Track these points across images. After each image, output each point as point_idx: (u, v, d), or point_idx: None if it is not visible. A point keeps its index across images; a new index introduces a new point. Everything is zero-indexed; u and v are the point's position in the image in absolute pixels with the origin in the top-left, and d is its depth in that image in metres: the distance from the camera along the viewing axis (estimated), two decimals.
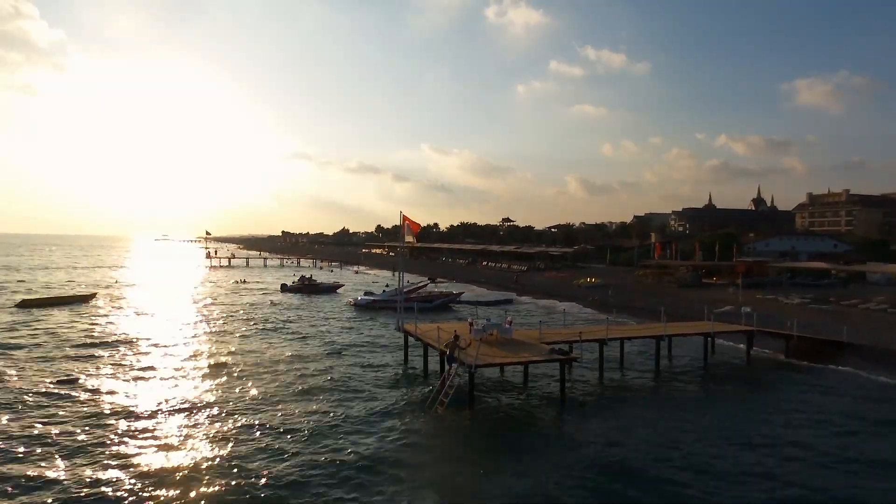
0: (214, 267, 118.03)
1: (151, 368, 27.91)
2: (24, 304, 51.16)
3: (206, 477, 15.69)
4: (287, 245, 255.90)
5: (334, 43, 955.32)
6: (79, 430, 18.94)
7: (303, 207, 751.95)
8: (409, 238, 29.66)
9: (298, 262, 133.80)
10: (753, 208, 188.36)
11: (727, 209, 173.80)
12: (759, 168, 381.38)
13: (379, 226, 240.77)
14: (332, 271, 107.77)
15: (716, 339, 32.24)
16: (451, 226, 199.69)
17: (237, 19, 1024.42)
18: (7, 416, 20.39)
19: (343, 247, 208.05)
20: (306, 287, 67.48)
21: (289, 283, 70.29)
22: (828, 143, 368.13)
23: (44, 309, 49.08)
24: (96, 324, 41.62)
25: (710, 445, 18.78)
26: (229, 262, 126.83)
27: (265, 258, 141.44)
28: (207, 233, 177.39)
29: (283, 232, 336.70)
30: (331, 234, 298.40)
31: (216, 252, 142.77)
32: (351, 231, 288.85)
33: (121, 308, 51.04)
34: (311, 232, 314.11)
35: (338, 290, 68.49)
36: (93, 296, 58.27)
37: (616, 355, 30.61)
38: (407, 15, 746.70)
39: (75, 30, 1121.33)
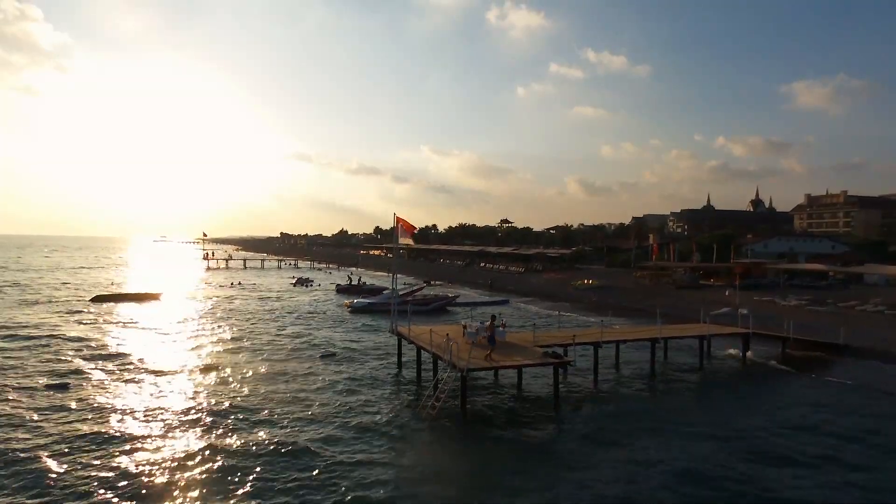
0: (211, 268, 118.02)
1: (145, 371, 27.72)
2: (98, 300, 56.53)
3: (188, 479, 15.46)
4: (285, 246, 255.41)
5: (336, 45, 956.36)
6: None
7: (302, 208, 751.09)
8: (404, 240, 29.27)
9: (296, 264, 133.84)
10: (752, 209, 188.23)
11: (725, 210, 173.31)
12: (757, 169, 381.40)
13: (378, 227, 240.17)
14: (330, 273, 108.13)
15: (712, 341, 32.01)
16: (450, 227, 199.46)
17: (239, 21, 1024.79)
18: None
19: (341, 248, 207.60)
20: (354, 288, 70.91)
21: (342, 283, 75.29)
22: (826, 144, 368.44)
23: (116, 304, 53.89)
24: (167, 318, 45.52)
25: (704, 447, 18.53)
26: (226, 263, 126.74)
27: (262, 259, 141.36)
28: (204, 234, 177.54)
29: (281, 233, 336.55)
30: (329, 235, 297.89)
31: (213, 254, 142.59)
32: (350, 232, 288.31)
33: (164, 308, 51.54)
34: (310, 233, 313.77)
35: (384, 293, 69.37)
36: (159, 294, 61.59)
37: (611, 358, 30.34)
38: (408, 17, 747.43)
39: (79, 32, 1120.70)
